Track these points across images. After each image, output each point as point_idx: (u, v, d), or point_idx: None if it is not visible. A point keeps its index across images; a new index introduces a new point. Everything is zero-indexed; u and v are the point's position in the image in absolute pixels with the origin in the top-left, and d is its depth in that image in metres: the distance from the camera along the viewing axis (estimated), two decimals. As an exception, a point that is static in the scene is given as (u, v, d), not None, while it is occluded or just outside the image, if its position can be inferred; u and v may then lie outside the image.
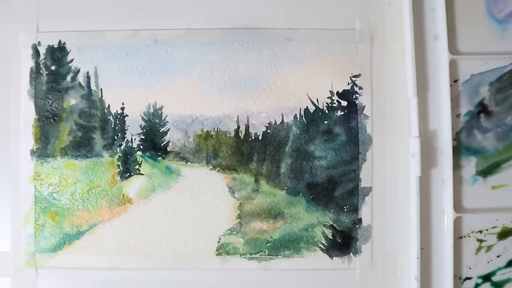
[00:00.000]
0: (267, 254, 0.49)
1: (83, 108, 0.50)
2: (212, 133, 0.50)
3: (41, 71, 0.50)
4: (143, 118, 0.50)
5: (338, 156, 0.49)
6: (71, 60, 0.50)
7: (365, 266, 0.49)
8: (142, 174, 0.50)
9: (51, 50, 0.50)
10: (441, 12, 0.48)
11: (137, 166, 0.50)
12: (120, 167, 0.50)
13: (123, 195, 0.50)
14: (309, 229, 0.49)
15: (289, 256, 0.49)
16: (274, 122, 0.50)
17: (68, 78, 0.50)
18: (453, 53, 0.48)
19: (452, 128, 0.47)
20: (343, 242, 0.49)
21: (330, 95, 0.50)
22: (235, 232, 0.49)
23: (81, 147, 0.50)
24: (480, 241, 0.48)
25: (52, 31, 0.50)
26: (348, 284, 0.49)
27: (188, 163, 0.50)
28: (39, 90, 0.50)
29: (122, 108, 0.50)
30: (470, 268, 0.48)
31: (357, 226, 0.49)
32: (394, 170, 0.49)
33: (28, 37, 0.50)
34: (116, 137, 0.50)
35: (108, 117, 0.50)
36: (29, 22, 0.50)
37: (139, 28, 0.50)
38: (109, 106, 0.50)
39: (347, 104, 0.50)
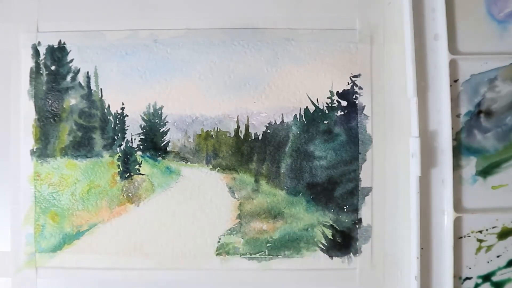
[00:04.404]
0: (267, 254, 0.49)
1: (83, 108, 0.50)
2: (212, 133, 0.50)
3: (41, 71, 0.50)
4: (143, 118, 0.50)
5: (338, 156, 0.49)
6: (71, 60, 0.50)
7: (365, 266, 0.49)
8: (142, 174, 0.50)
9: (51, 50, 0.50)
10: (441, 12, 0.48)
11: (137, 166, 0.50)
12: (120, 167, 0.50)
13: (123, 195, 0.50)
14: (309, 229, 0.49)
15: (289, 256, 0.49)
16: (274, 122, 0.50)
17: (68, 78, 0.50)
18: (453, 53, 0.48)
19: (452, 128, 0.47)
20: (343, 242, 0.49)
21: (330, 95, 0.50)
22: (235, 232, 0.49)
23: (81, 147, 0.50)
24: (480, 241, 0.48)
25: (52, 31, 0.50)
26: (348, 284, 0.49)
27: (188, 163, 0.50)
28: (39, 90, 0.50)
29: (122, 108, 0.50)
30: (470, 268, 0.48)
31: (357, 226, 0.49)
32: (394, 170, 0.49)
33: (28, 37, 0.50)
34: (116, 137, 0.50)
35: (108, 117, 0.50)
36: (29, 22, 0.50)
37: (139, 28, 0.50)
38: (109, 106, 0.50)
39: (347, 104, 0.50)
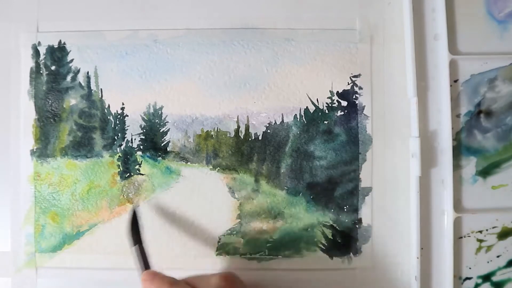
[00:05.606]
0: (267, 254, 0.49)
1: (83, 108, 0.50)
2: (212, 133, 0.50)
3: (41, 71, 0.50)
4: (143, 118, 0.50)
5: (338, 156, 0.49)
6: (71, 60, 0.50)
7: (365, 266, 0.49)
8: (142, 174, 0.50)
9: (51, 50, 0.50)
10: (441, 12, 0.48)
11: (137, 166, 0.50)
12: (120, 167, 0.50)
13: (123, 195, 0.50)
14: (309, 229, 0.49)
15: (289, 256, 0.49)
16: (274, 122, 0.50)
17: (68, 78, 0.50)
18: (453, 53, 0.48)
19: (452, 128, 0.47)
20: (343, 242, 0.49)
21: (330, 95, 0.50)
22: (235, 232, 0.49)
23: (81, 147, 0.50)
24: (480, 241, 0.48)
25: (52, 31, 0.50)
26: (348, 284, 0.49)
27: (188, 163, 0.50)
28: (39, 90, 0.50)
29: (122, 108, 0.50)
30: (470, 268, 0.48)
31: (357, 226, 0.49)
32: (394, 170, 0.49)
33: (28, 37, 0.50)
34: (116, 137, 0.50)
35: (108, 117, 0.50)
36: (29, 22, 0.50)
37: (139, 28, 0.50)
38: (109, 106, 0.50)
39: (347, 104, 0.50)
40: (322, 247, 0.49)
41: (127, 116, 0.50)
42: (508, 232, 0.48)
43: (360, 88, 0.50)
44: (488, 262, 0.48)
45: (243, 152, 0.50)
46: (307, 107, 0.50)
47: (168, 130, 0.50)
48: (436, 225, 0.48)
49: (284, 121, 0.50)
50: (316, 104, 0.50)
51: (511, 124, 0.48)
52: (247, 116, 0.50)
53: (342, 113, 0.50)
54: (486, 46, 0.49)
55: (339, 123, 0.50)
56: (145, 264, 0.45)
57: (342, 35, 0.50)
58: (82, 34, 0.50)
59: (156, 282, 0.41)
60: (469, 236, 0.48)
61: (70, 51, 0.50)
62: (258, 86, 0.50)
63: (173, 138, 0.50)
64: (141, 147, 0.50)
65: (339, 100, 0.50)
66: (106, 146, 0.50)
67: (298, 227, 0.49)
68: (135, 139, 0.50)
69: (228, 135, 0.50)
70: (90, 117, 0.50)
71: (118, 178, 0.50)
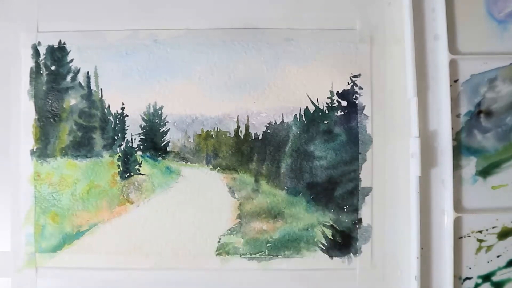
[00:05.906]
0: (267, 254, 0.49)
1: (83, 108, 0.50)
2: (212, 133, 0.50)
3: (41, 71, 0.50)
4: (143, 118, 0.50)
5: (338, 156, 0.49)
6: (71, 60, 0.50)
7: (365, 266, 0.49)
8: (142, 174, 0.50)
9: (51, 50, 0.50)
10: (441, 12, 0.48)
11: (137, 166, 0.50)
12: (120, 167, 0.50)
13: (123, 195, 0.50)
14: (309, 229, 0.49)
15: (289, 256, 0.49)
16: (274, 122, 0.50)
17: (68, 78, 0.50)
18: (453, 53, 0.48)
19: (452, 128, 0.47)
20: (343, 242, 0.49)
21: (330, 95, 0.50)
22: (235, 232, 0.49)
23: (81, 147, 0.50)
24: (480, 241, 0.48)
25: (52, 31, 0.50)
26: (348, 284, 0.49)
27: (188, 163, 0.50)
28: (39, 90, 0.50)
29: (122, 108, 0.50)
30: (470, 268, 0.48)
31: (357, 226, 0.49)
32: (394, 170, 0.49)
33: (28, 37, 0.50)
34: (116, 137, 0.50)
35: (108, 117, 0.50)
36: (29, 22, 0.50)
37: (139, 28, 0.50)
38: (109, 106, 0.50)
39: (347, 104, 0.50)
40: (322, 247, 0.49)
41: (127, 116, 0.50)
42: (508, 232, 0.48)
43: (360, 88, 0.50)
44: (488, 262, 0.48)
45: (243, 152, 0.50)
46: (307, 107, 0.50)
47: (168, 130, 0.50)
48: (436, 225, 0.48)
49: (284, 121, 0.50)
50: (316, 104, 0.50)
51: (511, 124, 0.48)
52: (247, 116, 0.50)
53: (342, 113, 0.50)
54: (486, 46, 0.49)
55: (339, 123, 0.50)
56: None
57: (342, 35, 0.50)
58: (82, 34, 0.50)
59: None
60: (469, 236, 0.48)
61: (70, 51, 0.50)
62: (258, 86, 0.50)
63: (173, 138, 0.50)
64: (141, 147, 0.50)
65: (339, 100, 0.50)
66: (106, 146, 0.50)
67: (298, 227, 0.49)
68: (135, 139, 0.50)
69: (228, 135, 0.50)
70: (90, 117, 0.50)
71: (118, 178, 0.50)
